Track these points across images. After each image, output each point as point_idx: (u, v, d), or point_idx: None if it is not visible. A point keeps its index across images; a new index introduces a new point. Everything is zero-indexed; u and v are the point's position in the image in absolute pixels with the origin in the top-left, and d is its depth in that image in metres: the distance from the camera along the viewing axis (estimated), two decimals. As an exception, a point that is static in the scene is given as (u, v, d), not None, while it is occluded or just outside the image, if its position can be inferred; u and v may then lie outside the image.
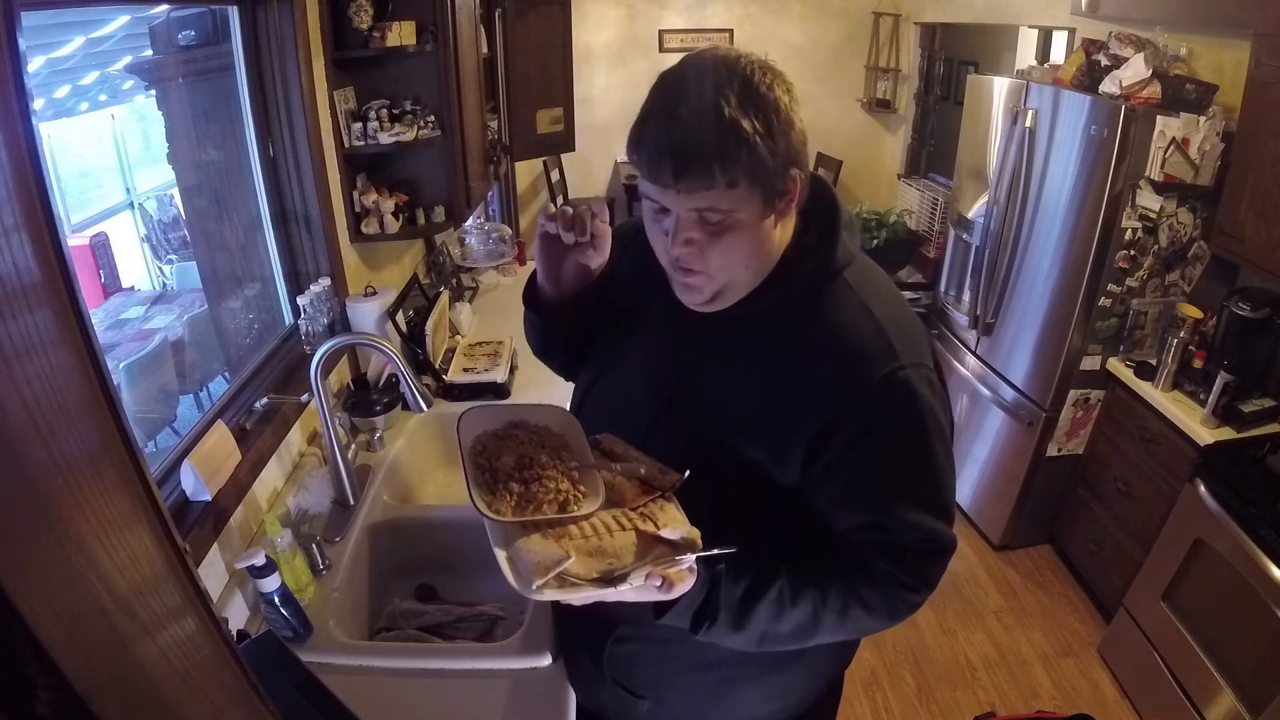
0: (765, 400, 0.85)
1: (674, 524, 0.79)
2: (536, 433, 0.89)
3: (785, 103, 0.76)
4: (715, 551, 0.79)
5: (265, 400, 1.50)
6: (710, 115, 0.72)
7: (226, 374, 1.94)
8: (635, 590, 0.76)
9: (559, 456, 0.85)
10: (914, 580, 0.86)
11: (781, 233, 0.85)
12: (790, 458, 0.85)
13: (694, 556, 0.77)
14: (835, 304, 0.86)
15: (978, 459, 2.92)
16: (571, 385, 1.13)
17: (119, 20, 2.22)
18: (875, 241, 4.25)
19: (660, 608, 0.82)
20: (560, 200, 5.26)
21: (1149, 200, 2.20)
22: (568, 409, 1.02)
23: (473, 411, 0.91)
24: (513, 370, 2.07)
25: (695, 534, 0.78)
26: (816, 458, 0.84)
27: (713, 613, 0.83)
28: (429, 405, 1.44)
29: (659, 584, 0.76)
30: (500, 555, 0.78)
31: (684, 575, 0.77)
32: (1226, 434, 1.99)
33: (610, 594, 0.75)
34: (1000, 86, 2.72)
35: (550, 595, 0.74)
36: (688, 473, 0.82)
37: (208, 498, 1.22)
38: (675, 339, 0.93)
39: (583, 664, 1.11)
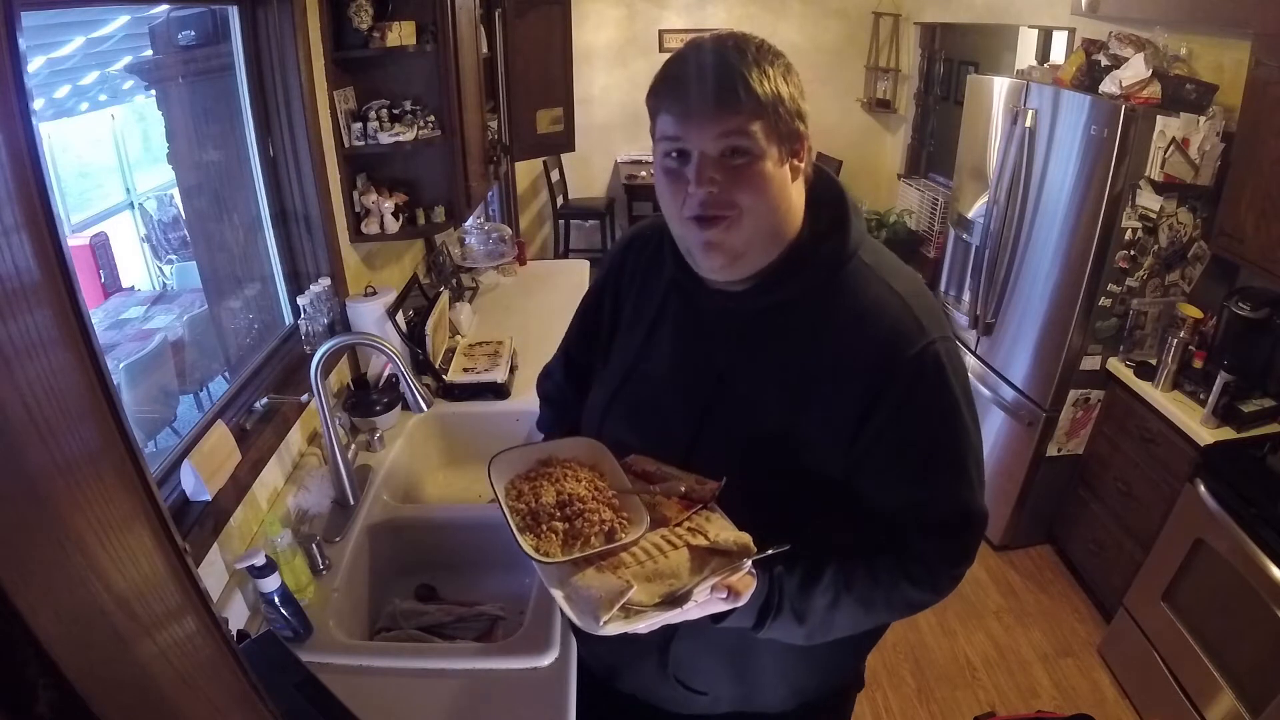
0: (802, 391, 0.86)
1: (724, 532, 0.78)
2: (568, 467, 0.88)
3: (794, 71, 0.82)
4: (771, 552, 0.79)
5: (265, 400, 1.50)
6: (733, 54, 0.78)
7: (226, 374, 1.94)
8: (700, 606, 0.76)
9: (596, 487, 0.84)
10: (955, 553, 0.88)
11: (796, 197, 0.86)
12: (834, 445, 0.85)
13: (751, 560, 0.77)
14: (858, 285, 0.86)
15: (978, 459, 2.92)
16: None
17: (119, 20, 2.22)
18: (875, 241, 4.25)
19: (720, 614, 0.81)
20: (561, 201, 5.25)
21: (1149, 200, 2.20)
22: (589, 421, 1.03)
23: (499, 458, 0.90)
24: (513, 370, 2.07)
25: (746, 538, 0.78)
26: (857, 439, 0.85)
27: (776, 606, 0.84)
28: (429, 405, 1.45)
29: (724, 595, 0.76)
30: (557, 595, 0.76)
31: (747, 580, 0.77)
32: (1226, 434, 1.99)
33: (676, 615, 0.75)
34: (1000, 86, 2.72)
35: (618, 628, 0.72)
36: (725, 480, 0.82)
37: (208, 498, 1.22)
38: (703, 343, 0.92)
39: (641, 663, 1.10)
